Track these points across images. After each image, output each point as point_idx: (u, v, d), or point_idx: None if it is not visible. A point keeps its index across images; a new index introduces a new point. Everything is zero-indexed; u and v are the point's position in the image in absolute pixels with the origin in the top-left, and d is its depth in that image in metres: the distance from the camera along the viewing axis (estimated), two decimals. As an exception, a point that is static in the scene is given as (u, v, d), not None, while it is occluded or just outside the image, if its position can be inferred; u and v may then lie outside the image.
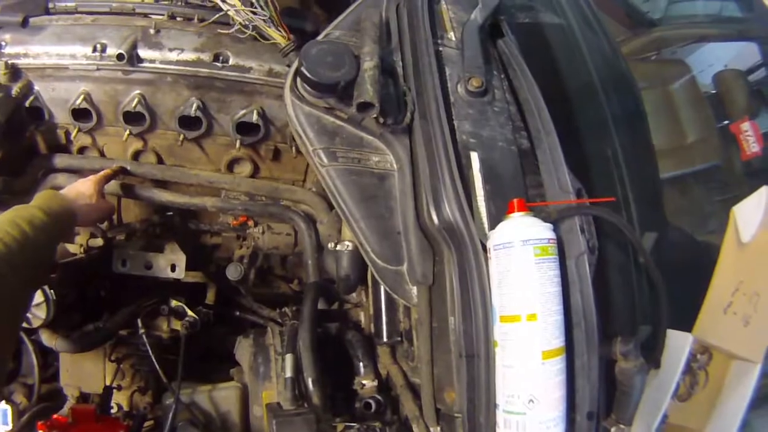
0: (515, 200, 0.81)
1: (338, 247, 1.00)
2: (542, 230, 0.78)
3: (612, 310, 0.98)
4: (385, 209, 0.84)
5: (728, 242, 1.05)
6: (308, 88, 0.85)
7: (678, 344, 1.01)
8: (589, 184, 0.99)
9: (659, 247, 1.15)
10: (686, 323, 1.04)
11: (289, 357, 0.92)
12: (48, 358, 1.24)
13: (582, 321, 0.86)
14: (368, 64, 0.84)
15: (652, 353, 1.00)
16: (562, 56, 1.18)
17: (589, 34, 1.27)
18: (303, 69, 0.82)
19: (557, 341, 0.77)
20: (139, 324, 1.12)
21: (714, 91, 1.82)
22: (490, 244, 0.80)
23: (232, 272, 1.09)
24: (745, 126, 1.62)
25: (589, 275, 0.87)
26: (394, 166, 0.86)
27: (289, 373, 0.91)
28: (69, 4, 1.22)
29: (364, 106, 0.80)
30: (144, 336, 1.10)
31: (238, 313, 1.20)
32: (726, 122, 1.74)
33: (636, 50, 1.77)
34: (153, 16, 1.17)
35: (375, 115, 0.81)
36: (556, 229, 0.81)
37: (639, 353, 0.98)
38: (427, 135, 0.84)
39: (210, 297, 1.26)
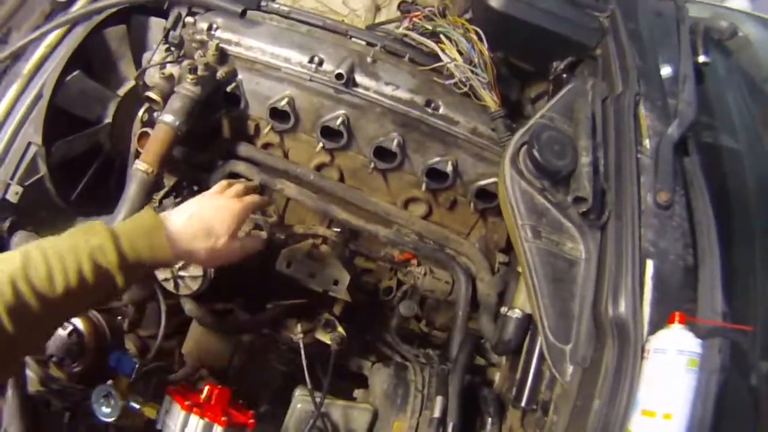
0: (677, 314, 1.07)
1: (509, 313, 1.27)
2: (696, 345, 1.02)
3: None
4: (568, 293, 1.11)
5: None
6: (531, 167, 1.13)
7: None
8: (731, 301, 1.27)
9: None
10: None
11: (439, 399, 1.21)
12: (170, 320, 1.47)
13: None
14: (585, 160, 1.12)
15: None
16: (729, 178, 1.46)
17: (753, 154, 1.56)
18: (534, 151, 1.11)
19: None
20: (299, 329, 1.39)
21: None
22: (649, 346, 1.05)
23: (406, 309, 1.39)
24: None
25: (716, 392, 1.12)
26: (583, 255, 1.13)
27: (437, 414, 1.20)
28: (282, 7, 1.54)
29: (579, 200, 1.09)
30: (302, 340, 1.36)
31: (368, 338, 1.49)
32: None
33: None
34: (360, 41, 1.48)
35: (585, 209, 1.10)
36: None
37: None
38: (618, 236, 1.11)
39: (336, 310, 1.53)
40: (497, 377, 1.37)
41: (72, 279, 0.94)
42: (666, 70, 1.49)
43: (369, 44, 1.49)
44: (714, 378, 1.12)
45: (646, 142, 1.28)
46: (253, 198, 1.23)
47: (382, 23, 1.56)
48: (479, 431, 1.28)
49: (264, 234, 1.29)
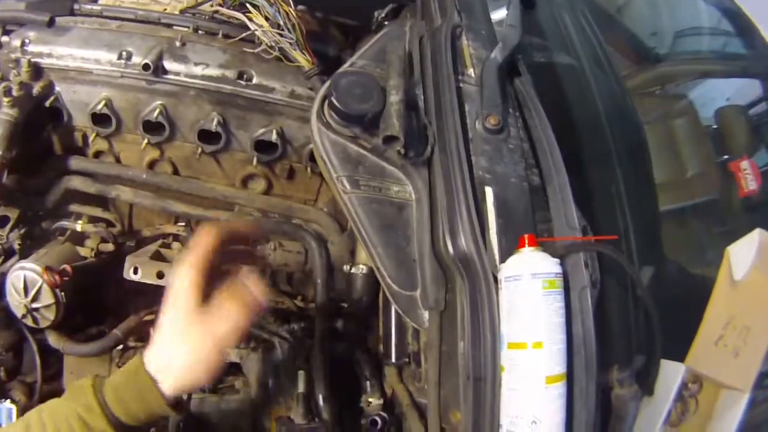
0: (526, 236, 0.90)
1: (353, 270, 1.09)
2: (550, 265, 0.87)
3: (610, 340, 1.07)
4: (403, 238, 0.92)
5: (721, 280, 1.16)
6: (336, 117, 0.93)
7: (671, 373, 1.11)
8: (593, 218, 1.10)
9: (656, 281, 1.25)
10: (679, 354, 1.15)
11: (302, 374, 1.02)
12: (49, 358, 1.28)
13: (582, 350, 0.95)
14: (394, 98, 0.92)
15: (645, 381, 1.11)
16: (572, 96, 1.29)
17: (599, 74, 1.38)
18: (333, 99, 0.90)
19: (559, 368, 0.85)
20: (151, 332, 1.18)
21: (715, 126, 1.94)
22: (501, 276, 0.88)
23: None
24: (744, 164, 1.73)
25: (591, 308, 0.98)
26: (413, 196, 0.94)
27: (301, 389, 1.00)
28: (94, 8, 1.31)
29: (390, 139, 0.89)
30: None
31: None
32: (726, 157, 1.85)
33: (641, 85, 1.88)
34: (178, 28, 1.26)
35: (399, 148, 0.90)
36: (562, 264, 0.90)
37: (634, 381, 1.09)
38: (446, 169, 0.92)
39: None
40: (370, 337, 1.15)
41: None
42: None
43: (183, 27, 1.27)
44: (585, 295, 0.95)
45: (471, 71, 1.10)
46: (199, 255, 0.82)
47: (198, 4, 1.31)
48: (363, 395, 1.08)
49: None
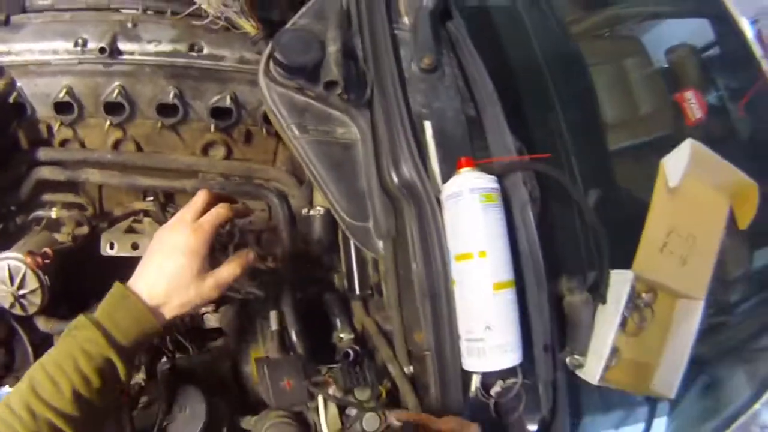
0: (463, 158, 1.01)
1: (311, 212, 1.20)
2: (486, 181, 0.98)
3: (558, 255, 1.18)
4: (352, 174, 1.03)
5: (658, 189, 1.24)
6: (280, 71, 1.03)
7: (621, 281, 1.20)
8: (534, 150, 1.20)
9: (604, 203, 1.35)
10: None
11: (273, 313, 1.11)
12: (40, 350, 1.33)
13: (530, 262, 1.06)
14: (332, 48, 1.03)
15: (597, 291, 1.21)
16: (507, 36, 1.39)
17: (535, 14, 1.49)
18: (276, 54, 1.01)
19: (506, 274, 0.96)
20: None
21: (666, 66, 2.05)
22: (442, 197, 0.99)
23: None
24: (688, 95, 1.84)
25: (533, 221, 1.08)
26: (358, 136, 1.06)
27: (274, 326, 1.10)
28: (45, 2, 1.36)
29: (330, 84, 1.00)
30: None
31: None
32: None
33: (590, 28, 1.97)
34: (126, 11, 1.32)
35: (339, 92, 1.00)
36: (500, 183, 1.01)
37: (584, 288, 1.19)
38: (385, 108, 1.03)
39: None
40: (336, 279, 1.26)
41: (74, 379, 0.81)
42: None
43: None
44: (526, 210, 1.07)
45: (405, 19, 1.21)
46: (212, 215, 0.96)
47: (146, -13, 1.39)
48: (333, 332, 1.17)
49: (250, 252, 1.00)
